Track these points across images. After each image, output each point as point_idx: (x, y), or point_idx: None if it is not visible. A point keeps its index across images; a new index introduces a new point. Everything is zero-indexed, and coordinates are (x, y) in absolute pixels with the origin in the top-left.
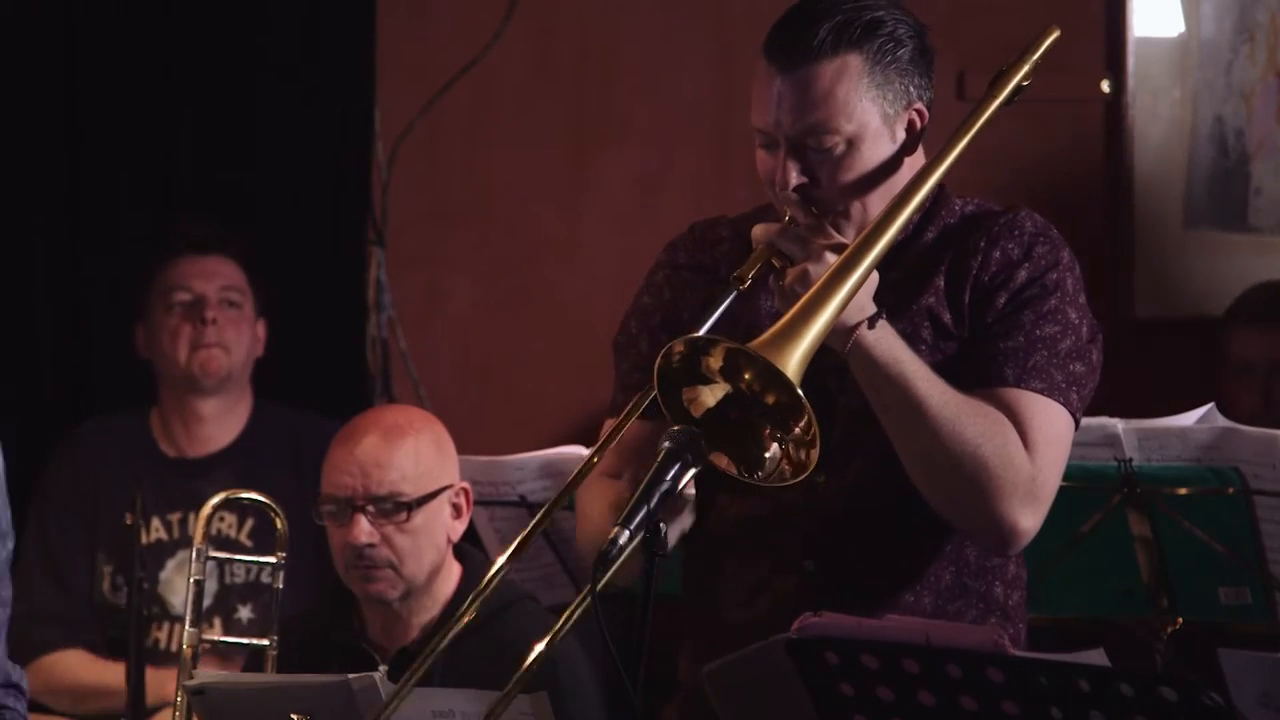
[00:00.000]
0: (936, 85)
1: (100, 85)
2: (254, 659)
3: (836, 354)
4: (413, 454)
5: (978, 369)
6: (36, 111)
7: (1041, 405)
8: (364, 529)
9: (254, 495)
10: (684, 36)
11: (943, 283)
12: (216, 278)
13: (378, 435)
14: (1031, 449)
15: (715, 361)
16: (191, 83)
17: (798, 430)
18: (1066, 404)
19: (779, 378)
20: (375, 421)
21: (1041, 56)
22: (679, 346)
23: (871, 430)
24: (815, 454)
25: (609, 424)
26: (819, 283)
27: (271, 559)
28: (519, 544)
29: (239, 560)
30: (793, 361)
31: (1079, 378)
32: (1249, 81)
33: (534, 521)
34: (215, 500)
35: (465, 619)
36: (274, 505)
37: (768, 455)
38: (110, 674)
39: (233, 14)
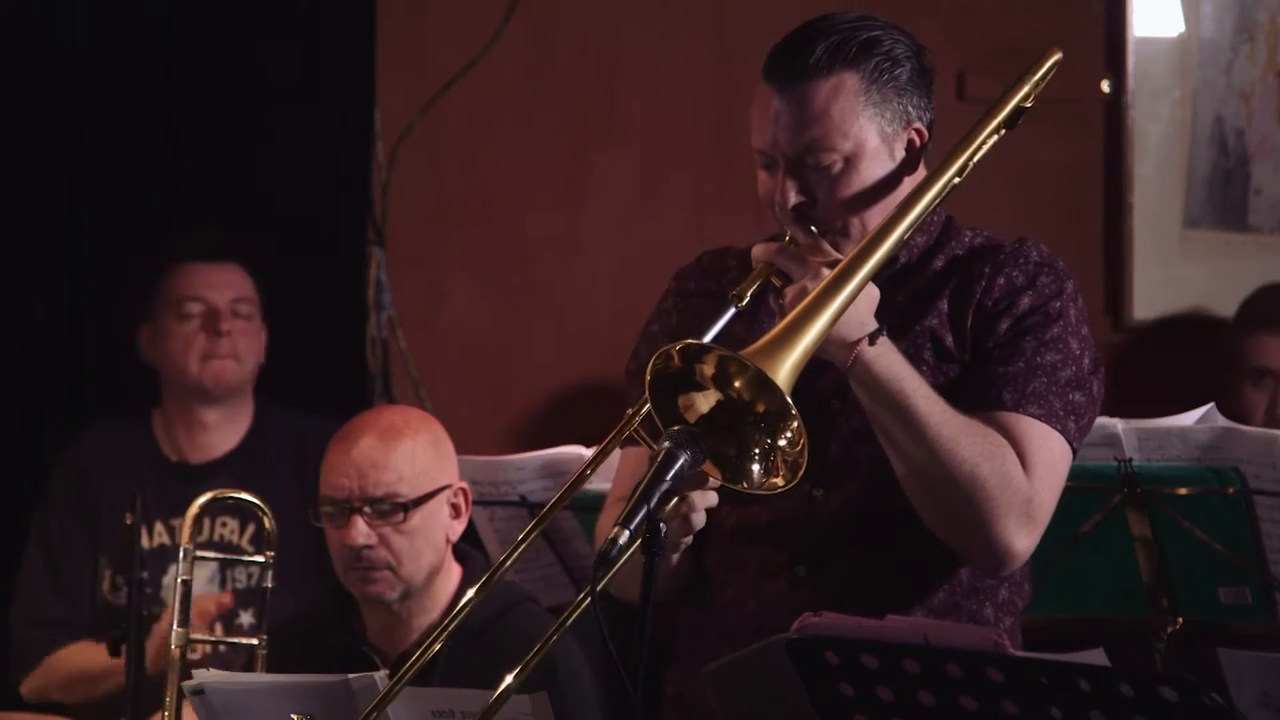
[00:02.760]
0: (938, 87)
1: (100, 85)
2: (253, 660)
3: (838, 373)
4: (409, 455)
5: (977, 392)
6: (36, 112)
7: (1039, 430)
8: (361, 530)
9: (241, 495)
10: (684, 36)
11: (946, 306)
12: (229, 288)
13: (374, 436)
14: (1029, 471)
15: (708, 369)
16: (191, 83)
17: (786, 439)
18: (1064, 431)
19: (768, 385)
20: (372, 423)
21: (1043, 78)
22: (673, 353)
23: (870, 447)
24: (804, 462)
25: (624, 453)
26: (813, 294)
27: (259, 558)
28: (514, 549)
29: (227, 560)
30: (783, 369)
31: (1078, 407)
32: (1249, 81)
33: (529, 527)
34: (202, 500)
35: (455, 623)
36: (261, 504)
37: (755, 466)
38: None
39: (233, 14)
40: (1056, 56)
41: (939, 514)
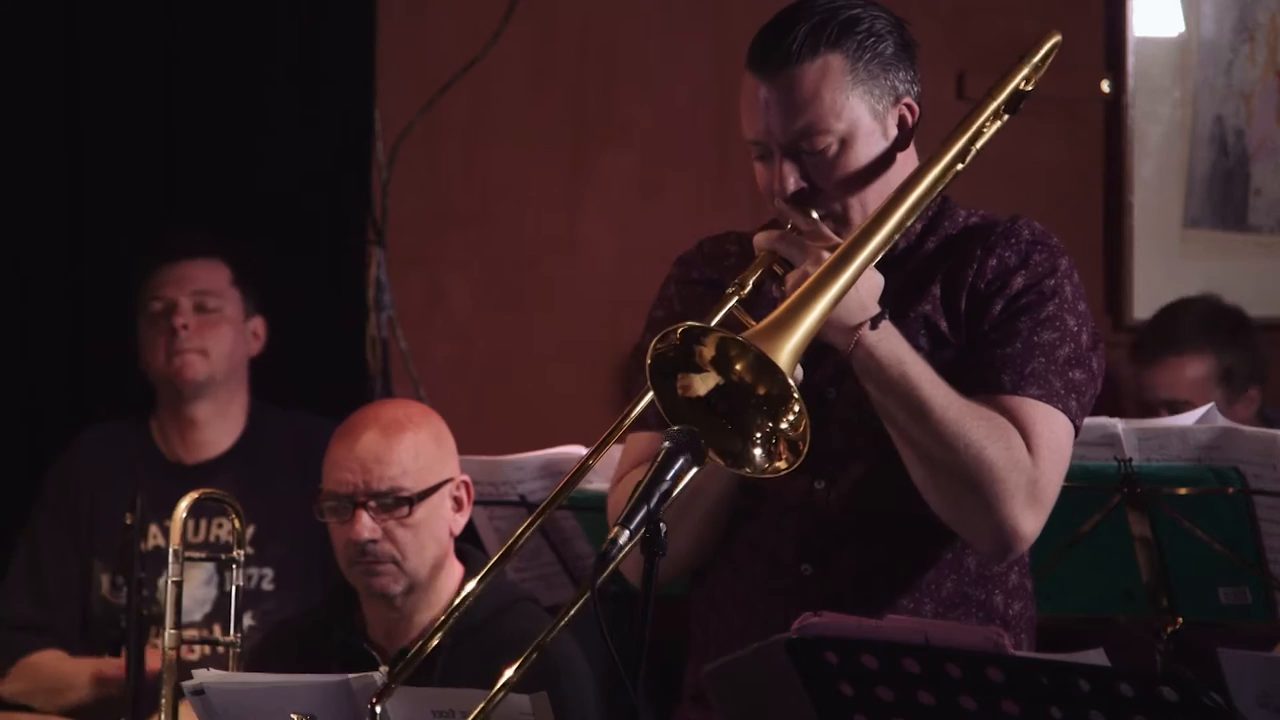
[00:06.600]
0: (938, 87)
1: (100, 85)
2: (254, 661)
3: (835, 361)
4: (412, 448)
5: (975, 376)
6: (36, 112)
7: (1041, 411)
8: (366, 525)
9: (213, 493)
10: (684, 36)
11: (939, 291)
12: (188, 283)
13: (377, 431)
14: (1033, 453)
15: (708, 351)
16: (192, 83)
17: (788, 422)
18: (1065, 410)
19: (770, 367)
20: (374, 417)
21: (1042, 61)
22: (674, 335)
23: (869, 435)
24: (805, 444)
25: (632, 437)
26: (813, 276)
27: (238, 556)
28: (512, 544)
29: (222, 561)
30: (784, 351)
31: (1078, 385)
32: (1249, 81)
33: (528, 522)
34: (185, 502)
35: (454, 619)
36: (233, 502)
37: (757, 450)
38: (85, 668)
39: (233, 14)
40: (1055, 39)
41: (945, 498)
